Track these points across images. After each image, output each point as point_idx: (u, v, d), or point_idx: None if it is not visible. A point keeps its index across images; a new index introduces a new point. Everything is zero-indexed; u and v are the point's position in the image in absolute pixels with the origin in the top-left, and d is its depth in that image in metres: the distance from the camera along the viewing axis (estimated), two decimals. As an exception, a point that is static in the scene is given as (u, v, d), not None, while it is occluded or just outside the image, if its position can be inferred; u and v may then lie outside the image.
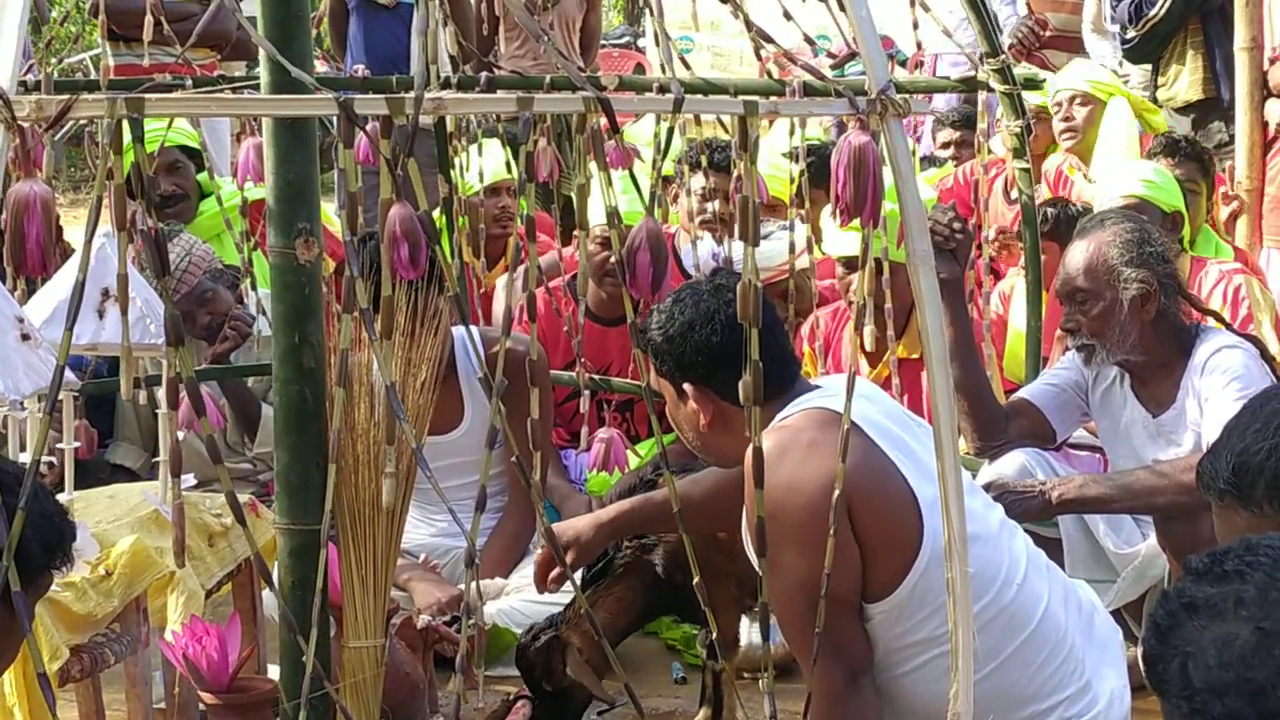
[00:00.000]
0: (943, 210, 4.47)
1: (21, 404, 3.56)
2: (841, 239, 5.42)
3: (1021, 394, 4.73)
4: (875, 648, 3.27)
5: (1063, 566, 3.99)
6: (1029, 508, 4.16)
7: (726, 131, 6.49)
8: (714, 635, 3.11)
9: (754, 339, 2.41)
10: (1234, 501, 2.50)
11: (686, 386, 3.44)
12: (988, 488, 4.11)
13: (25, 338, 3.50)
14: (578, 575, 4.18)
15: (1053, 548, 4.27)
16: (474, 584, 2.45)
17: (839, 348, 5.66)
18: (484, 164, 5.67)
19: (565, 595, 4.14)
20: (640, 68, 12.72)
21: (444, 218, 5.47)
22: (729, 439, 3.39)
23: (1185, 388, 4.42)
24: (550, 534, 2.72)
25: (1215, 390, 4.30)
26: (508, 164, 6.32)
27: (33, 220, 2.19)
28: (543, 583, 3.97)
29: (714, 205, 5.57)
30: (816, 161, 5.43)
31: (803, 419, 3.27)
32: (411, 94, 2.26)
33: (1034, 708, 3.33)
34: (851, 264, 5.29)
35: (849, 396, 2.58)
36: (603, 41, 14.55)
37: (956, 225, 4.46)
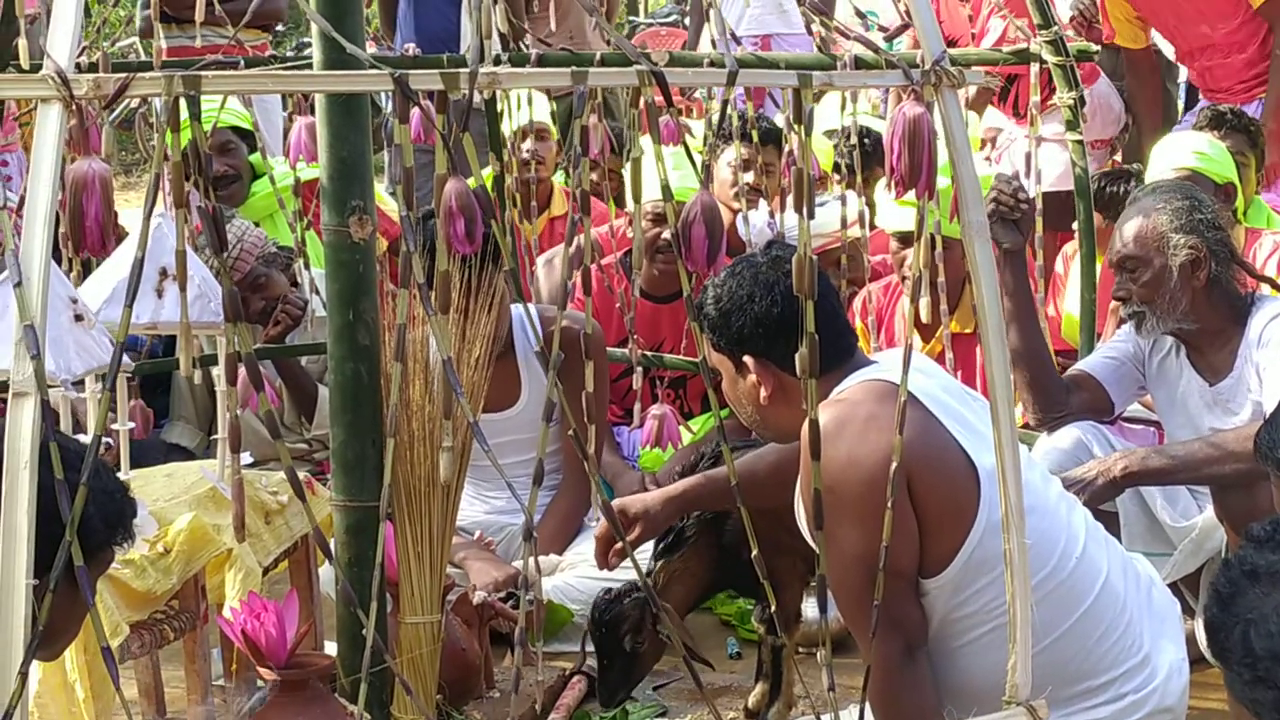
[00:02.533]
0: (1006, 180, 4.45)
1: (76, 384, 3.58)
2: (895, 213, 5.41)
3: (1080, 366, 4.72)
4: (931, 621, 3.26)
5: (1119, 540, 3.97)
6: (1094, 491, 4.15)
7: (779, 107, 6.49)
8: (772, 609, 3.11)
9: (809, 311, 2.41)
10: (1292, 471, 2.49)
11: (746, 359, 3.42)
12: None
13: (79, 319, 3.52)
14: (645, 554, 4.17)
15: (1109, 521, 4.25)
16: (531, 558, 2.46)
17: (891, 322, 5.65)
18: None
19: (624, 571, 4.15)
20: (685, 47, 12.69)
21: (496, 195, 5.47)
22: (789, 412, 3.37)
23: (1242, 356, 4.40)
24: (609, 510, 2.73)
25: (1273, 358, 4.28)
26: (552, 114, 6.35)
27: (92, 198, 2.21)
28: (603, 559, 3.97)
29: (748, 177, 5.57)
30: (871, 140, 5.44)
31: (860, 392, 3.26)
32: (466, 69, 2.26)
33: (1091, 681, 3.32)
34: (905, 238, 5.28)
35: (905, 368, 2.58)
36: (649, 19, 14.56)
37: (1022, 195, 4.45)
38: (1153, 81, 7.74)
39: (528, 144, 6.25)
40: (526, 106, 5.61)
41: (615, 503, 3.96)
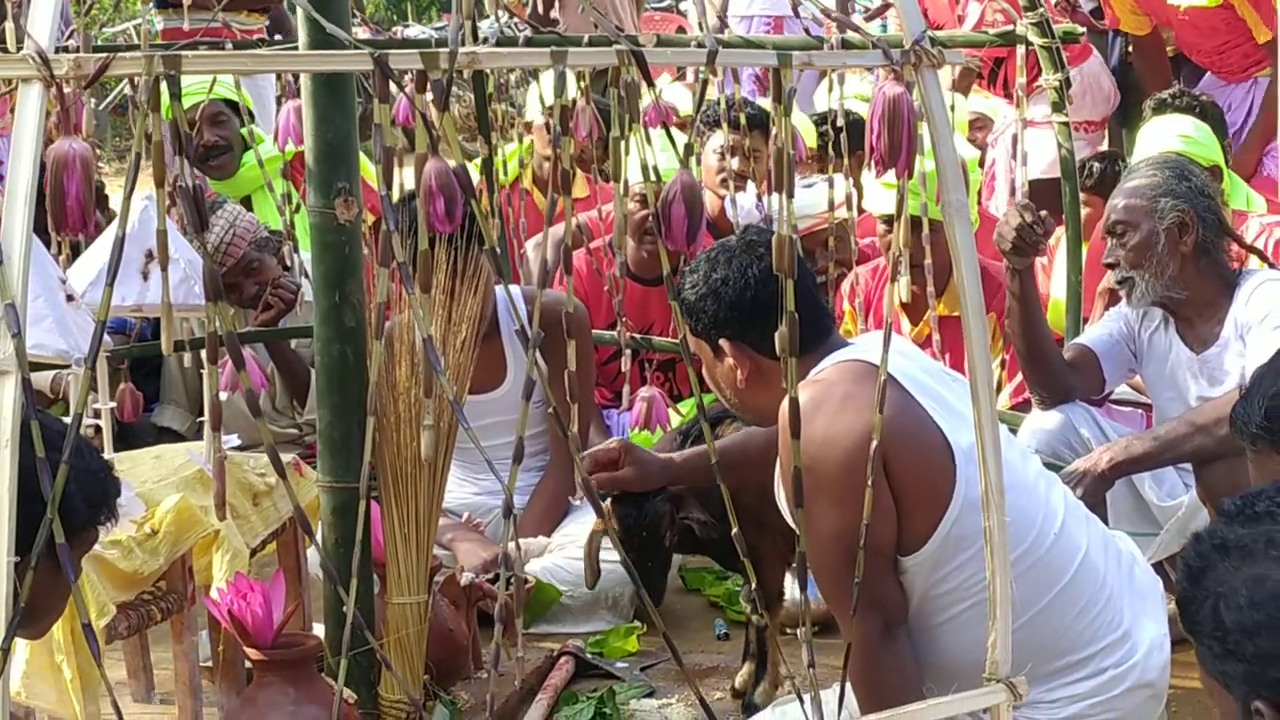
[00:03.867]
0: (1029, 209, 4.44)
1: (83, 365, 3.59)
2: (882, 196, 5.42)
3: (1079, 341, 4.75)
4: (910, 599, 3.28)
5: (1106, 521, 3.99)
6: (1085, 488, 4.17)
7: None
8: (754, 585, 3.11)
9: (789, 290, 2.42)
10: (1266, 446, 2.51)
11: (722, 343, 3.46)
12: None
13: (69, 299, 3.54)
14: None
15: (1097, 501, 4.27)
16: (511, 535, 2.46)
17: (879, 305, 5.66)
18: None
19: (608, 553, 4.16)
20: (682, 31, 12.70)
21: (484, 179, 5.48)
22: (766, 394, 3.41)
23: (1229, 324, 4.44)
24: (590, 489, 2.73)
25: (1258, 328, 4.32)
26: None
27: (72, 178, 2.21)
28: (593, 466, 3.99)
29: (734, 162, 5.59)
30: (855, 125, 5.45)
31: (836, 372, 3.28)
32: (446, 49, 2.26)
33: (1071, 657, 3.34)
34: (892, 222, 5.28)
35: (886, 348, 2.59)
36: (646, 5, 14.55)
37: (1040, 230, 4.45)
38: (1163, 63, 7.75)
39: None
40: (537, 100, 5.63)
41: (627, 443, 4.02)
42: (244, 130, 6.46)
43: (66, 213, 2.22)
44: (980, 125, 7.90)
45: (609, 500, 4.06)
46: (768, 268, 3.36)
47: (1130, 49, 7.88)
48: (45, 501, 2.13)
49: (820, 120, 6.68)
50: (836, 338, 3.47)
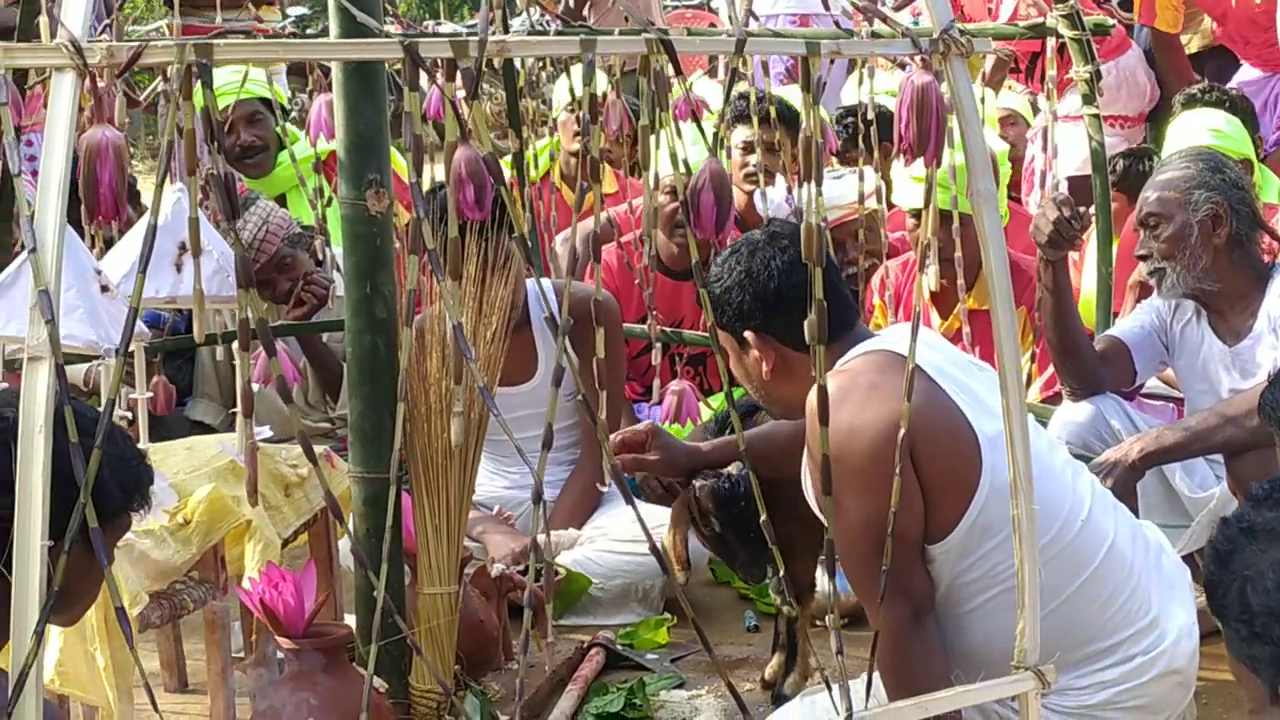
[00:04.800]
0: (1068, 203, 4.44)
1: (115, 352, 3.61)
2: (911, 190, 5.42)
3: (1110, 333, 4.75)
4: (937, 587, 3.29)
5: (1136, 513, 3.99)
6: (1116, 478, 4.16)
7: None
8: (781, 573, 3.12)
9: (818, 278, 2.42)
10: (1295, 432, 2.50)
11: (747, 334, 3.47)
12: None
13: (104, 289, 3.56)
14: (662, 527, 4.18)
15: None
16: (541, 522, 2.47)
17: (909, 299, 5.66)
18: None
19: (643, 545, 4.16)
20: (713, 28, 12.70)
21: (515, 173, 5.50)
22: (791, 385, 3.42)
23: (1261, 317, 4.44)
24: (620, 477, 2.74)
25: None
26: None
27: (105, 165, 2.22)
28: (620, 447, 3.99)
29: (756, 157, 5.60)
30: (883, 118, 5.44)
31: (862, 363, 3.29)
32: (476, 37, 2.28)
33: (1099, 644, 3.34)
34: (921, 216, 5.28)
35: (914, 337, 2.59)
36: (676, 2, 14.54)
37: (1078, 225, 4.46)
38: (1181, 60, 7.75)
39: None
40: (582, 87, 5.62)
41: (658, 427, 4.03)
42: (278, 129, 6.49)
43: (100, 200, 2.24)
44: (1012, 122, 7.87)
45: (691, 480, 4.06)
46: (792, 259, 3.37)
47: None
48: (78, 487, 2.15)
49: (847, 114, 6.68)
50: (861, 329, 3.49)
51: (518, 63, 5.65)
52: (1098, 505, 3.40)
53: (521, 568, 4.50)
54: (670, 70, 2.42)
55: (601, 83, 6.41)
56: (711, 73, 7.95)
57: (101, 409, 2.24)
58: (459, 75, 2.29)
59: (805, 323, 2.44)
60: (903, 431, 2.61)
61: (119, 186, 2.24)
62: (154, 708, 2.36)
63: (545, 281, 3.49)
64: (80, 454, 2.14)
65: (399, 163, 5.09)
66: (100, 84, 2.33)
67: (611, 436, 4.03)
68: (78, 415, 2.17)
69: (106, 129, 2.24)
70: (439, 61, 2.29)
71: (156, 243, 2.24)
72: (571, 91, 6.60)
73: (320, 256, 5.74)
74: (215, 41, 2.23)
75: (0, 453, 2.51)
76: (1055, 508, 3.28)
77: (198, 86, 2.18)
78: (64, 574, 2.14)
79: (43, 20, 3.98)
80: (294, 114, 6.42)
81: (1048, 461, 3.33)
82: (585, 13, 9.56)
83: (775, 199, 5.36)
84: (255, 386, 3.86)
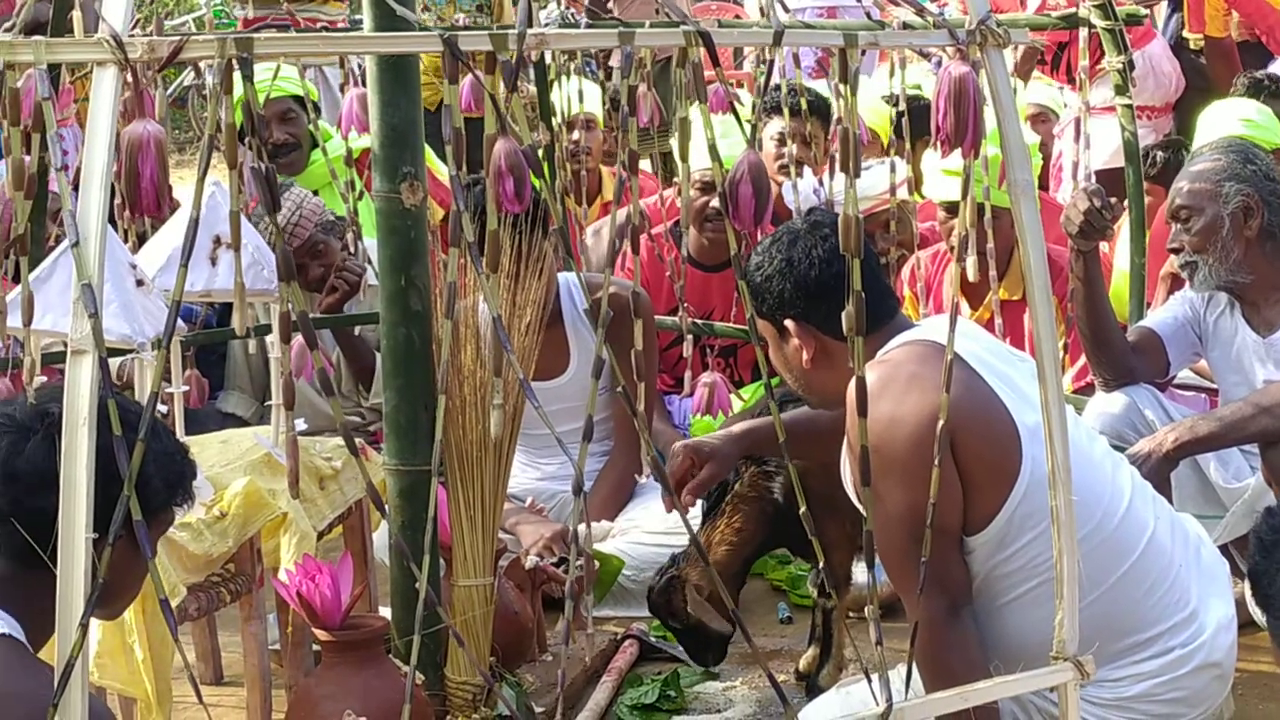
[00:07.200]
0: (1098, 193, 4.43)
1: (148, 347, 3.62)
2: (943, 183, 5.41)
3: (1143, 324, 4.75)
4: (975, 578, 3.29)
5: (1170, 503, 3.98)
6: (1150, 468, 4.15)
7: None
8: (821, 564, 3.12)
9: (855, 269, 2.42)
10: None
11: (788, 323, 3.47)
12: None
13: (139, 284, 3.57)
14: (695, 515, 4.19)
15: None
16: (581, 513, 2.48)
17: (940, 290, 5.65)
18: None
19: (682, 534, 4.17)
20: (739, 20, 12.70)
21: (547, 164, 5.51)
22: (831, 375, 3.42)
23: None
24: (660, 468, 2.73)
25: None
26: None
27: (147, 159, 2.23)
28: (675, 500, 3.98)
29: (792, 148, 5.60)
30: (918, 108, 5.43)
31: (903, 353, 3.29)
32: (515, 30, 2.28)
33: (1138, 636, 3.34)
34: (953, 208, 5.28)
35: (952, 328, 2.59)
36: (702, -5, 14.54)
37: (1109, 215, 4.45)
38: (1234, 61, 7.75)
39: (574, 134, 6.28)
40: (577, 101, 5.61)
41: (689, 443, 3.98)
42: (310, 127, 6.50)
43: (141, 194, 2.24)
44: (1043, 119, 7.83)
45: (751, 473, 4.06)
46: (833, 248, 3.37)
47: (1201, 49, 7.88)
48: (122, 481, 2.15)
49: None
50: (902, 319, 3.48)
51: (548, 56, 5.65)
52: (1138, 497, 3.39)
53: (555, 559, 4.51)
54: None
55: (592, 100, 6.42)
56: (739, 66, 7.96)
57: (142, 403, 2.25)
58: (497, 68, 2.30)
59: (844, 314, 2.44)
60: (941, 422, 2.61)
61: (161, 180, 2.25)
62: (198, 699, 2.38)
63: (578, 275, 3.49)
64: (124, 447, 2.15)
65: (433, 161, 5.09)
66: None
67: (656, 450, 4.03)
68: (121, 410, 2.17)
69: (148, 123, 2.25)
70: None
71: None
72: (603, 85, 6.60)
73: (351, 249, 5.75)
74: (255, 35, 2.24)
75: (47, 448, 2.52)
76: (1095, 499, 3.27)
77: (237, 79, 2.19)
78: (108, 568, 2.15)
79: (75, 15, 4.00)
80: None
81: (1087, 452, 3.33)
82: (609, 6, 9.57)
83: (805, 190, 5.35)
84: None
